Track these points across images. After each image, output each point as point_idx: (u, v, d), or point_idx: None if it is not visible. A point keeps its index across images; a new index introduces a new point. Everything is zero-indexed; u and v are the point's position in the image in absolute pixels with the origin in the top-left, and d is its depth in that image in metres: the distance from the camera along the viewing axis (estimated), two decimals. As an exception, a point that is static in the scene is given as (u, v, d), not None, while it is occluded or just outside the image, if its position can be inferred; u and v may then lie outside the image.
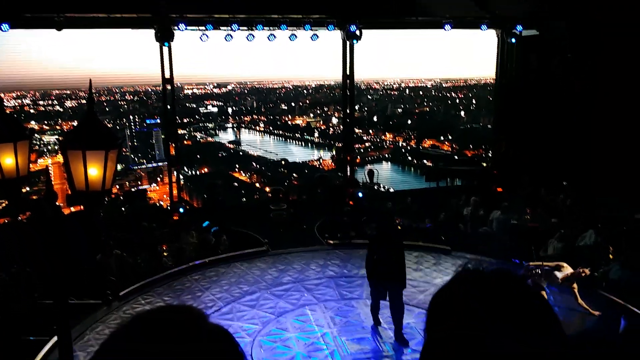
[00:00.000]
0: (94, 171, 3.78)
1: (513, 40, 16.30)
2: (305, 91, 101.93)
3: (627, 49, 13.83)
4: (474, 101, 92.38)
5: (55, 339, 5.48)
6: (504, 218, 12.62)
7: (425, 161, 72.05)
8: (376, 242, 7.72)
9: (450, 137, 79.93)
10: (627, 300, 8.28)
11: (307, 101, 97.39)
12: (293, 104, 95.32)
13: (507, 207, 12.81)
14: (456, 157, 59.05)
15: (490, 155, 21.71)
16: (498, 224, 12.63)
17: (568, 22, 15.21)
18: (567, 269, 7.05)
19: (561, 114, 15.47)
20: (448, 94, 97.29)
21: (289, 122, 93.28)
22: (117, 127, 70.64)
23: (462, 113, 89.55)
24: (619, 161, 14.52)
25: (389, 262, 7.35)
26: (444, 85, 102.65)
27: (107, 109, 72.69)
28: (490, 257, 10.68)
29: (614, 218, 12.12)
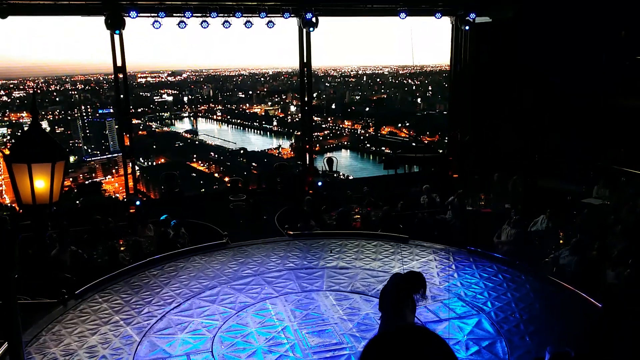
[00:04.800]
0: (41, 184, 3.66)
1: (466, 27, 16.50)
2: (262, 79, 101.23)
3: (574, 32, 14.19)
4: (430, 88, 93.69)
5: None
6: (459, 204, 12.88)
7: (383, 148, 72.73)
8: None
9: (407, 124, 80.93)
10: (575, 286, 8.56)
11: (265, 89, 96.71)
12: (250, 92, 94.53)
13: (462, 193, 13.07)
14: (414, 144, 59.86)
15: (446, 142, 22.02)
16: (454, 211, 12.88)
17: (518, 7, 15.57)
18: None
19: (511, 101, 15.81)
20: (405, 81, 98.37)
21: (247, 111, 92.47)
22: (69, 118, 68.55)
23: (419, 99, 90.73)
24: (566, 147, 14.96)
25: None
26: (400, 72, 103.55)
27: (58, 99, 70.36)
28: (447, 245, 10.89)
29: (565, 203, 12.51)
